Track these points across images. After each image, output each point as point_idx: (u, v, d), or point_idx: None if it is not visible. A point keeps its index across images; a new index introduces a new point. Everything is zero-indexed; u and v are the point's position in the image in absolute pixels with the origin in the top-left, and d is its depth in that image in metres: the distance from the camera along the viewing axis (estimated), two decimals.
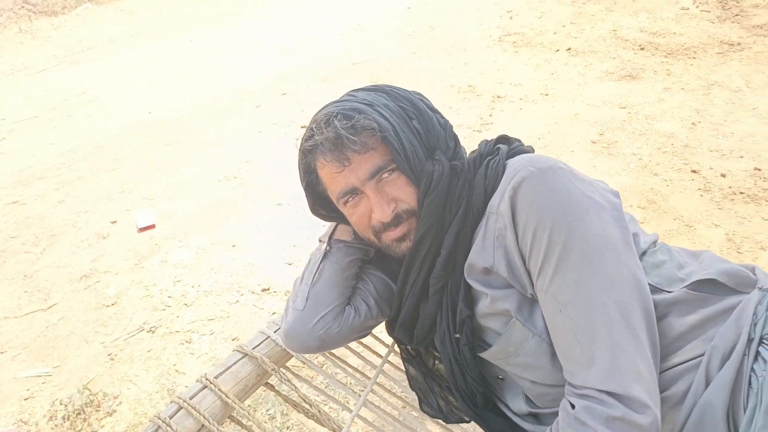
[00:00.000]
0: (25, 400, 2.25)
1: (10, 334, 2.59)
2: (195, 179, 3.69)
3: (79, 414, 2.12)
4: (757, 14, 5.30)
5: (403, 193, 1.00)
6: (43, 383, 2.32)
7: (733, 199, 3.01)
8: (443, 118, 1.08)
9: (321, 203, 1.14)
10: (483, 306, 0.98)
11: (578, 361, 0.85)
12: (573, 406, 0.85)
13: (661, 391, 0.88)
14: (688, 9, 5.61)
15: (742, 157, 3.36)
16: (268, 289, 2.68)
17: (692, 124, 3.76)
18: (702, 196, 3.07)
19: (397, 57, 5.29)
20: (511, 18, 5.94)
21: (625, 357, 0.83)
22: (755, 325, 0.88)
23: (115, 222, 3.32)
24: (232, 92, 4.95)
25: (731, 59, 4.59)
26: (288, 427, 2.01)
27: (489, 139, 1.11)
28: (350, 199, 1.02)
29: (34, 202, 3.61)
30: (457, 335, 1.02)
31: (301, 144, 1.03)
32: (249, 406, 2.08)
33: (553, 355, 0.94)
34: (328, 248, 1.16)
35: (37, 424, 2.12)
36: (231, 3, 7.73)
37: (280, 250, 2.94)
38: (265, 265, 2.84)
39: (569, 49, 5.08)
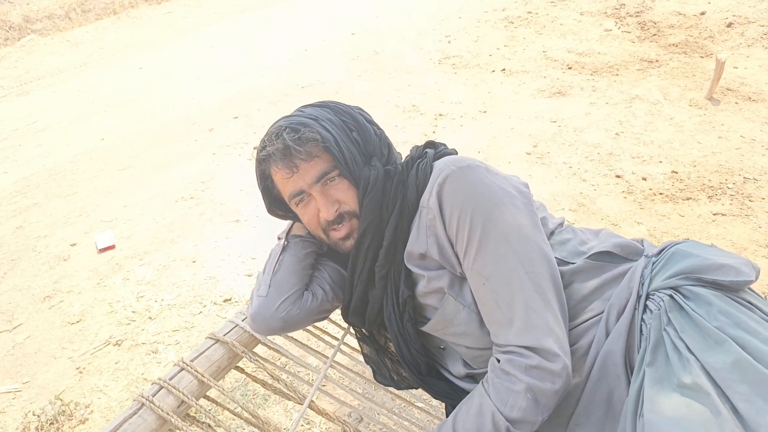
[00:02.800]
0: None
1: None
2: (152, 201, 3.80)
3: (52, 423, 2.21)
4: (673, 34, 5.76)
5: (345, 195, 1.18)
6: (14, 398, 2.39)
7: (653, 200, 3.32)
8: (379, 129, 1.27)
9: (277, 204, 1.31)
10: (421, 286, 1.16)
11: (500, 323, 1.04)
12: (498, 361, 1.05)
13: (571, 345, 1.06)
14: (610, 30, 6.06)
15: (660, 162, 3.69)
16: (230, 300, 2.82)
17: (616, 134, 4.10)
18: (626, 198, 3.38)
19: (343, 80, 5.52)
20: (449, 42, 6.26)
21: (537, 316, 1.02)
22: (642, 284, 1.08)
23: (74, 245, 3.40)
24: (185, 117, 5.06)
25: (650, 75, 4.99)
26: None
27: (418, 145, 1.32)
28: (300, 200, 1.20)
29: None
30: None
31: (257, 154, 1.21)
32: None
33: (481, 322, 1.12)
34: (286, 242, 1.34)
35: None
36: (176, 30, 7.83)
37: (240, 263, 3.09)
38: (225, 278, 2.98)
39: (504, 69, 5.41)
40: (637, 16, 6.31)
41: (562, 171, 3.71)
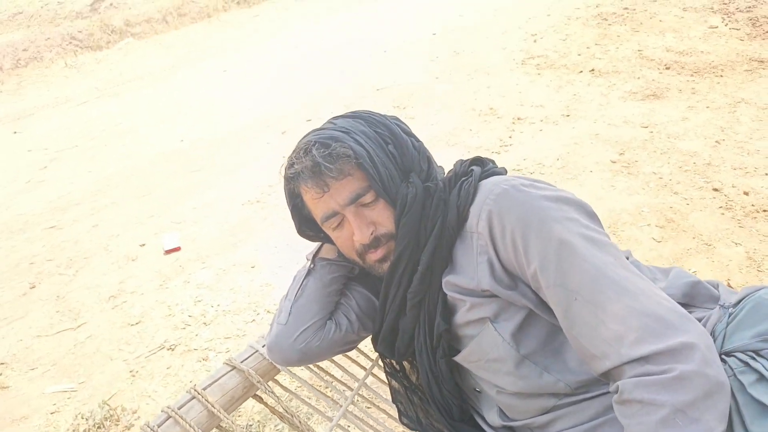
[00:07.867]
0: (51, 414, 2.37)
1: (41, 352, 2.73)
2: (220, 203, 3.83)
3: (99, 428, 2.22)
4: None
5: (381, 216, 1.04)
6: (69, 398, 2.44)
7: (755, 217, 2.94)
8: (418, 141, 1.13)
9: (308, 225, 1.20)
10: (461, 314, 1.01)
11: (609, 339, 0.83)
12: (621, 393, 0.81)
13: None
14: (716, 27, 5.53)
15: (767, 174, 3.28)
16: None
17: (716, 142, 3.70)
18: (723, 214, 3.01)
19: (420, 82, 5.37)
20: (535, 41, 5.96)
21: (648, 311, 0.81)
22: (714, 342, 0.89)
23: (143, 245, 3.47)
24: (261, 119, 5.11)
25: (760, 76, 4.49)
26: None
27: (464, 159, 1.15)
28: (333, 222, 1.07)
29: (70, 226, 3.81)
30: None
31: (285, 172, 1.09)
32: (258, 421, 2.15)
33: (519, 362, 0.96)
34: (311, 266, 1.22)
35: None
36: (262, 33, 7.98)
37: (296, 271, 3.02)
38: (281, 286, 2.92)
39: (593, 70, 5.06)
40: (748, 11, 5.72)
41: (650, 182, 3.37)
